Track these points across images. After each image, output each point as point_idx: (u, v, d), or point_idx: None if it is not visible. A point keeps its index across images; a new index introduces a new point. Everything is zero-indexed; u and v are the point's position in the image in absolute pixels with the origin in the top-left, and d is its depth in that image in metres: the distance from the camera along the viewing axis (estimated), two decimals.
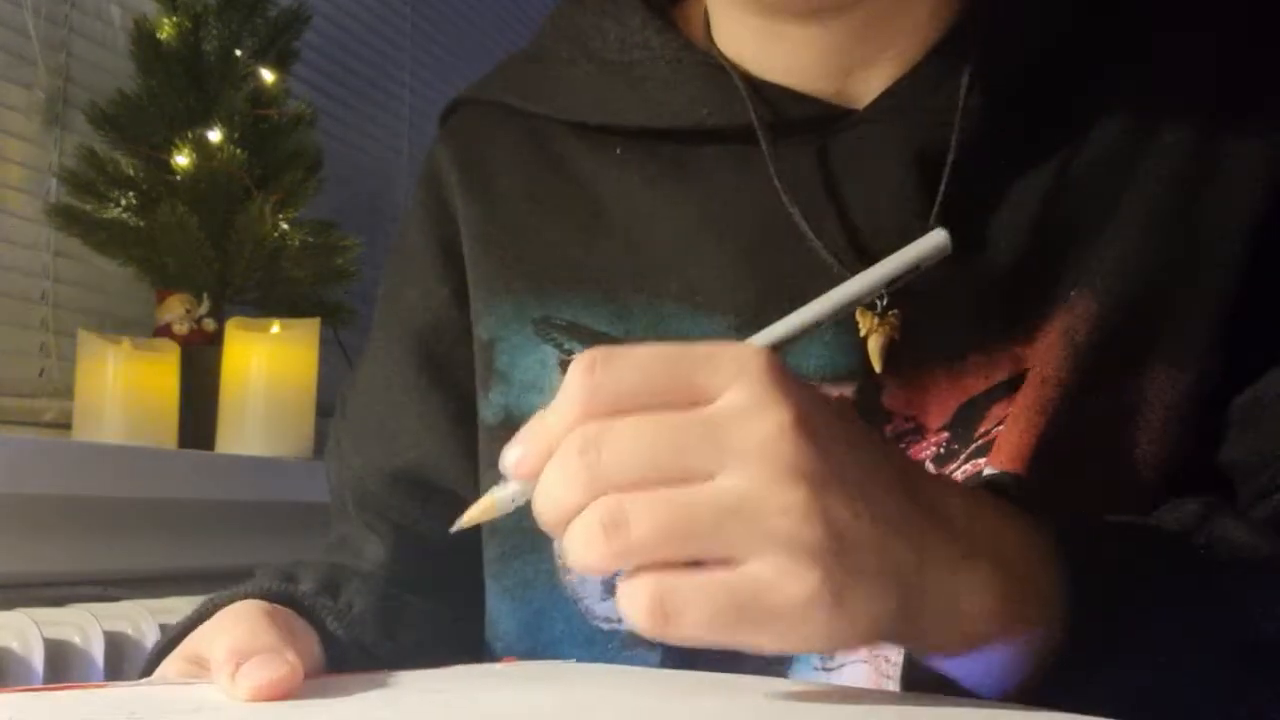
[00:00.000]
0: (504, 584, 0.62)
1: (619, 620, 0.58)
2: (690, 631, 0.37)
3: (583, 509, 0.38)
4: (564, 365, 0.61)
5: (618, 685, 0.47)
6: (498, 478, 0.63)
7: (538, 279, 0.62)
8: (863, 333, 0.55)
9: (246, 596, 0.54)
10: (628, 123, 0.61)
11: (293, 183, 1.54)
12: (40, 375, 1.42)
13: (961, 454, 0.54)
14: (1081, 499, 0.51)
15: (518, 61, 0.68)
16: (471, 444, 0.65)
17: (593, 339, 0.59)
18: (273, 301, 1.57)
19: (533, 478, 0.40)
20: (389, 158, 2.04)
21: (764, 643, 0.39)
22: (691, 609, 0.37)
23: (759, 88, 0.59)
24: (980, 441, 0.54)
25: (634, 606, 0.38)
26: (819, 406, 0.39)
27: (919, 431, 0.55)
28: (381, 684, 0.45)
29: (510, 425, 0.62)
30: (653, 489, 0.37)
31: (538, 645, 0.60)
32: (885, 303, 0.54)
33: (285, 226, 1.53)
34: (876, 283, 0.44)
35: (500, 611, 0.62)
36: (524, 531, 0.61)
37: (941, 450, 0.54)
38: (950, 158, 0.54)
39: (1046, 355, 0.53)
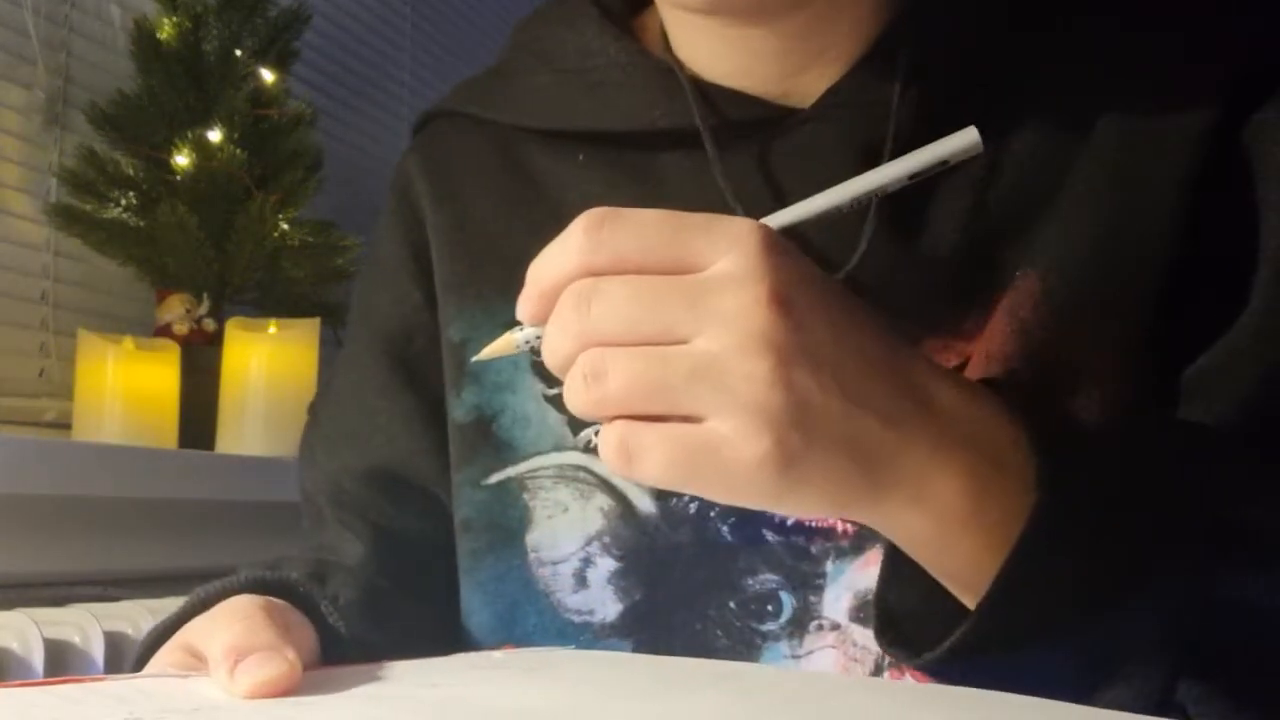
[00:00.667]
0: (477, 579, 0.63)
1: (590, 612, 0.60)
2: (649, 472, 0.41)
3: (575, 358, 0.41)
4: (535, 367, 0.62)
5: (615, 679, 0.47)
6: (469, 477, 0.64)
7: (506, 283, 0.62)
8: None
9: (240, 587, 0.54)
10: (584, 127, 0.63)
11: (292, 182, 1.54)
12: (40, 375, 1.43)
13: None
14: None
15: (484, 75, 0.71)
16: (444, 444, 0.66)
17: None
18: (272, 301, 1.58)
19: (537, 323, 0.44)
20: (389, 158, 2.03)
21: (716, 494, 0.42)
22: (652, 453, 0.41)
23: (708, 90, 0.61)
24: None
25: (605, 448, 0.41)
26: (807, 284, 0.41)
27: None
28: (378, 678, 0.45)
29: (482, 424, 0.63)
30: (634, 346, 0.40)
31: (511, 638, 0.61)
32: None
33: (285, 226, 1.53)
34: (900, 174, 0.45)
35: (474, 605, 0.63)
36: (496, 528, 0.62)
37: None
38: (887, 150, 0.55)
39: (991, 334, 0.54)
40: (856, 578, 0.55)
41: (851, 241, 0.56)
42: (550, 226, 0.63)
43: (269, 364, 1.46)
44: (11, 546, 1.17)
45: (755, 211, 0.57)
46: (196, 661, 0.49)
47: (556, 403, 0.61)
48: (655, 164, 0.62)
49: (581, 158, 0.63)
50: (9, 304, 1.40)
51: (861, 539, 0.55)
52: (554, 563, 0.60)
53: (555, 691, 0.45)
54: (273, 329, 1.48)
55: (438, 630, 0.64)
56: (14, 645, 1.00)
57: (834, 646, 0.55)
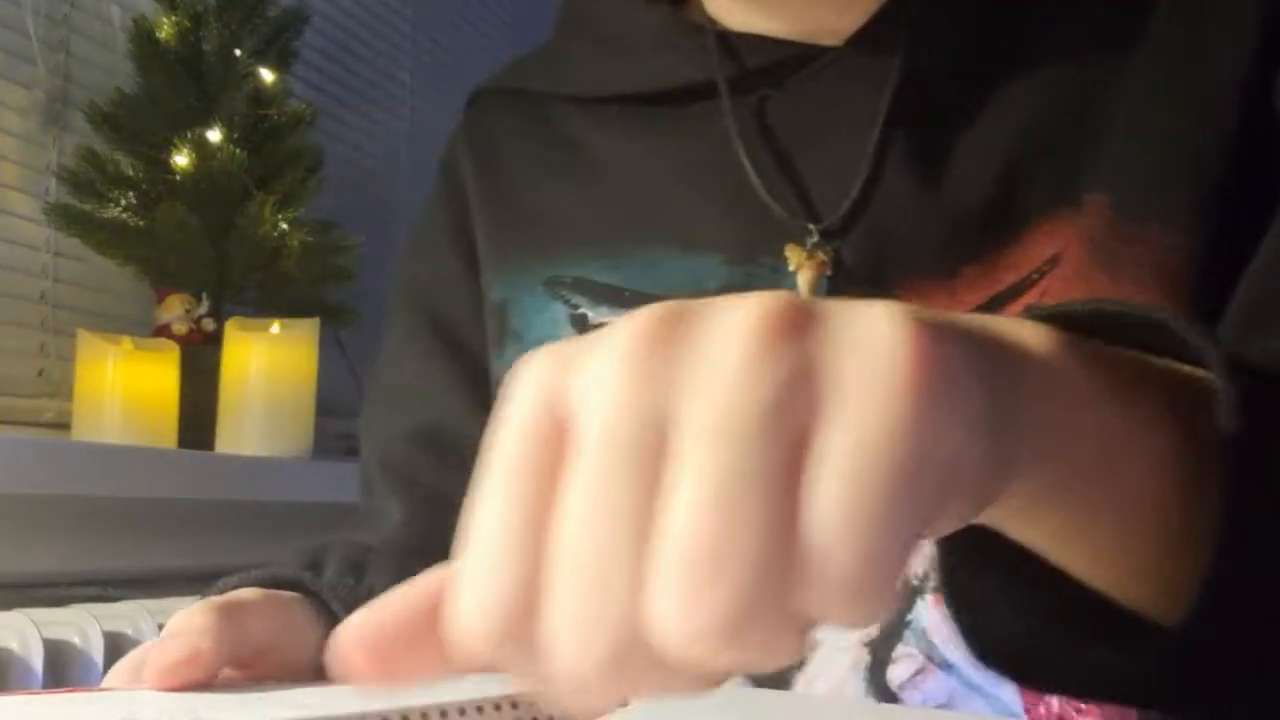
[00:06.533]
0: None
1: None
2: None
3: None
4: (574, 320, 0.64)
5: None
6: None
7: (543, 242, 0.65)
8: (792, 268, 0.57)
9: (253, 583, 0.55)
10: (620, 90, 0.65)
11: (292, 183, 1.54)
12: (39, 375, 1.42)
13: None
14: None
15: (531, 51, 0.74)
16: (487, 403, 0.67)
17: (597, 292, 0.63)
18: (272, 301, 1.57)
19: None
20: (389, 158, 2.04)
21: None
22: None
23: (733, 41, 0.62)
24: None
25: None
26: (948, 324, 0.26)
27: None
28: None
29: None
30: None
31: None
32: (815, 239, 0.57)
33: (285, 226, 1.53)
34: None
35: None
36: None
37: None
38: (891, 84, 0.56)
39: (1066, 260, 0.52)
40: None
41: (851, 191, 0.56)
42: (583, 182, 0.65)
43: (268, 364, 1.46)
44: (11, 546, 1.17)
45: (762, 157, 0.59)
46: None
47: None
48: (688, 115, 0.63)
49: (616, 110, 0.65)
50: (8, 304, 1.40)
51: None
52: None
53: None
54: (272, 329, 1.48)
55: None
56: (13, 645, 1.00)
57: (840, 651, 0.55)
